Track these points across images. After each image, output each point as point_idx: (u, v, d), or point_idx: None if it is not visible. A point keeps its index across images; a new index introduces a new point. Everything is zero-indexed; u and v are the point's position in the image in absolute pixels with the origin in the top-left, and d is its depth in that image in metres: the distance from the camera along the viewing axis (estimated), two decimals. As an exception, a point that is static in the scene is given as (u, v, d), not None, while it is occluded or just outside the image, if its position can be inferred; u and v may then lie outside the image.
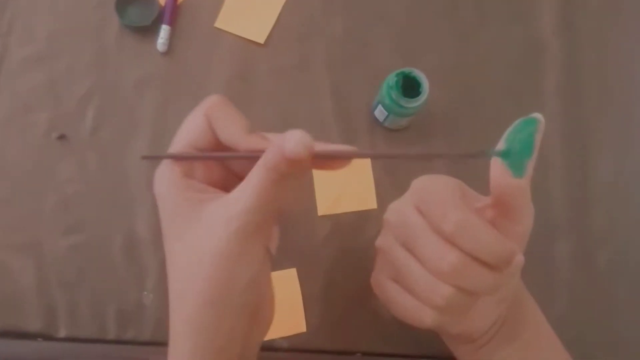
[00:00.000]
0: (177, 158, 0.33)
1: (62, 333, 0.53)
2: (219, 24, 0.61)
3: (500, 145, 0.32)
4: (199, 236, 0.30)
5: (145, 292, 0.54)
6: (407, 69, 0.53)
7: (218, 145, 0.33)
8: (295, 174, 0.29)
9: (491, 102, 0.61)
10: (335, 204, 0.56)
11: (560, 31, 0.63)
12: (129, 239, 0.55)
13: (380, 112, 0.56)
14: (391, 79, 0.53)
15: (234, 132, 0.32)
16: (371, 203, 0.57)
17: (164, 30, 0.60)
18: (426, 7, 0.63)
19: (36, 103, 0.59)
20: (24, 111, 0.58)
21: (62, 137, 0.57)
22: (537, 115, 0.32)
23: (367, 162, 0.58)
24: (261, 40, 0.61)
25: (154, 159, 0.34)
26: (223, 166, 0.35)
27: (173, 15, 0.60)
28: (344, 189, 0.57)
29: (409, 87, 0.53)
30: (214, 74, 0.60)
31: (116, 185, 0.57)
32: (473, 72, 0.61)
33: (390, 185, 0.57)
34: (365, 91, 0.60)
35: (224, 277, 0.30)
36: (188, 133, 0.33)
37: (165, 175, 0.32)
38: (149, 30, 0.60)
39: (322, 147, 0.30)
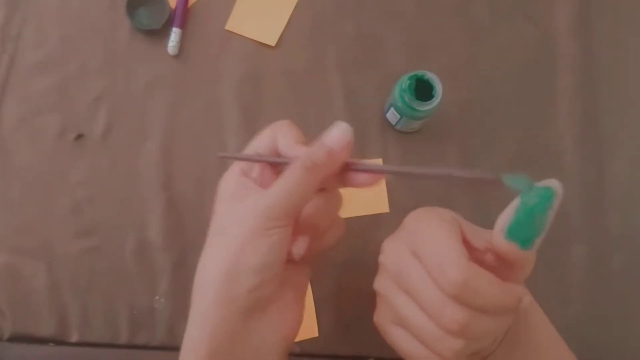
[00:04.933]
0: (240, 159, 0.39)
1: (74, 338, 0.53)
2: (229, 26, 0.61)
3: (505, 219, 0.30)
4: (234, 216, 0.35)
5: (157, 297, 0.54)
6: (420, 72, 0.52)
7: (278, 155, 0.38)
8: (327, 167, 0.33)
9: (504, 104, 0.60)
10: (347, 208, 0.56)
11: (575, 30, 0.62)
12: (141, 243, 0.55)
13: (392, 115, 0.56)
14: (404, 81, 0.52)
15: (288, 141, 0.36)
16: (383, 207, 0.56)
17: (175, 33, 0.59)
18: (438, 7, 0.63)
19: (47, 106, 0.59)
20: (35, 114, 0.58)
21: (79, 136, 0.57)
22: (555, 186, 0.28)
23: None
24: (272, 43, 0.61)
25: (226, 158, 0.42)
26: (276, 173, 0.39)
27: (184, 18, 0.60)
28: (356, 193, 0.56)
29: (422, 90, 0.52)
30: (225, 76, 0.60)
31: (128, 189, 0.57)
32: (486, 72, 0.61)
33: (402, 189, 0.57)
34: (377, 93, 0.59)
35: (239, 252, 0.33)
36: (257, 141, 0.38)
37: (228, 172, 0.39)
38: (159, 33, 0.60)
39: (353, 160, 0.34)
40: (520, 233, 0.29)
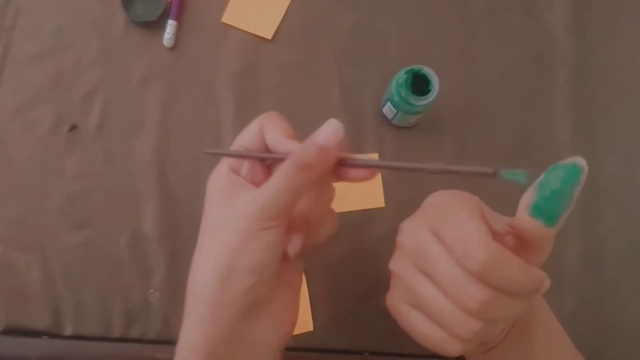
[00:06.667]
0: (228, 155, 0.37)
1: (67, 331, 0.53)
2: (225, 19, 0.61)
3: (531, 195, 0.30)
4: (226, 217, 0.34)
5: (152, 290, 0.54)
6: (416, 66, 0.52)
7: (266, 150, 0.37)
8: (320, 166, 0.32)
9: (500, 98, 0.60)
10: (343, 202, 0.56)
11: (571, 25, 0.62)
12: (135, 236, 0.55)
13: (389, 110, 0.56)
14: (400, 76, 0.52)
15: (277, 136, 0.35)
16: (379, 201, 0.56)
17: (170, 25, 0.59)
18: (435, 1, 0.62)
19: (41, 98, 0.58)
20: (30, 106, 0.58)
21: (73, 128, 0.57)
22: (581, 163, 0.29)
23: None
24: (268, 36, 0.60)
25: (214, 154, 0.39)
26: (266, 169, 0.38)
27: (179, 10, 0.60)
28: (351, 187, 0.56)
29: (419, 84, 0.52)
30: (221, 69, 0.60)
31: (122, 181, 0.56)
32: (482, 67, 0.61)
33: (398, 183, 0.57)
34: (374, 87, 0.59)
35: (233, 254, 0.33)
36: (244, 136, 0.37)
37: (216, 168, 0.37)
38: (155, 25, 0.59)
39: (347, 155, 0.33)
40: (546, 209, 0.29)
